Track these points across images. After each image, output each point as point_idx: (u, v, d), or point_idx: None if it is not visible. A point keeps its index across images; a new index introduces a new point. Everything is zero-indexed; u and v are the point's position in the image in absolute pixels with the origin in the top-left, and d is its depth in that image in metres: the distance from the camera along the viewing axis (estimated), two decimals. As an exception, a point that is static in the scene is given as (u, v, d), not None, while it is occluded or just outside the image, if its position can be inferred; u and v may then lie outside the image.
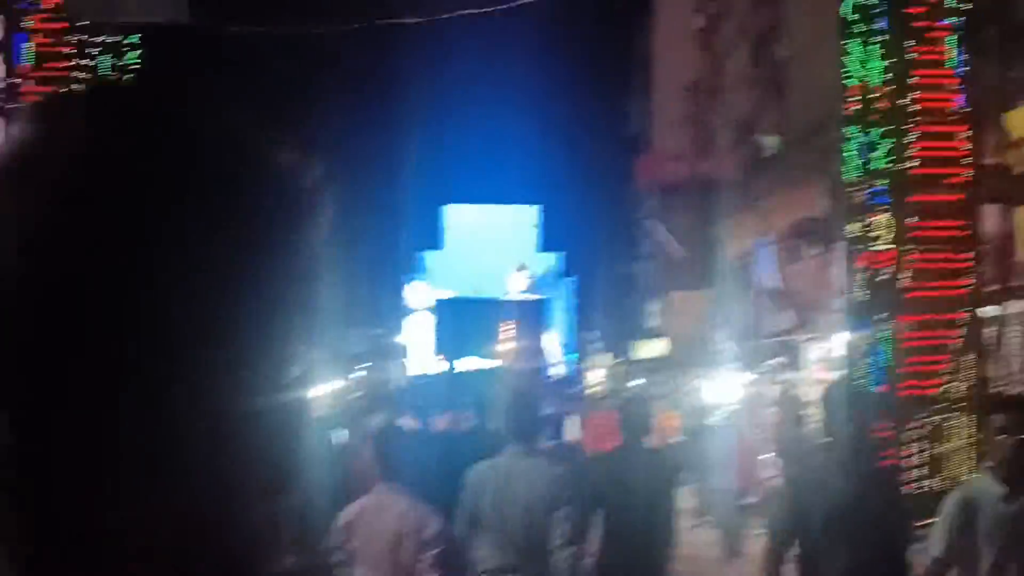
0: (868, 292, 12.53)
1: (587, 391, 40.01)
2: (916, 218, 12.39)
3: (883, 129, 12.37)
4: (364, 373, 32.29)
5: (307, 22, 18.72)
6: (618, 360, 44.18)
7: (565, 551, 6.41)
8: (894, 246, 12.56)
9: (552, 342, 54.35)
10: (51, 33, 13.50)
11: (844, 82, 12.59)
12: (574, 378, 42.05)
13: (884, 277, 12.47)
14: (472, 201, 60.09)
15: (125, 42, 13.30)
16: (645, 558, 7.41)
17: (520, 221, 59.89)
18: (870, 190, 12.49)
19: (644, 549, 7.30)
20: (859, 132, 12.52)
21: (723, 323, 29.89)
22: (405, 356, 44.62)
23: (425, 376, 36.76)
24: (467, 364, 40.91)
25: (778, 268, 27.46)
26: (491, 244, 57.37)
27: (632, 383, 33.03)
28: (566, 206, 61.62)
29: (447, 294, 53.01)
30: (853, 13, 12.72)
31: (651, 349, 39.90)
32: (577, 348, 54.32)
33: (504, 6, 14.33)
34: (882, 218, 12.49)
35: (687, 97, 37.49)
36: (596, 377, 43.06)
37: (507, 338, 47.35)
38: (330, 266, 0.84)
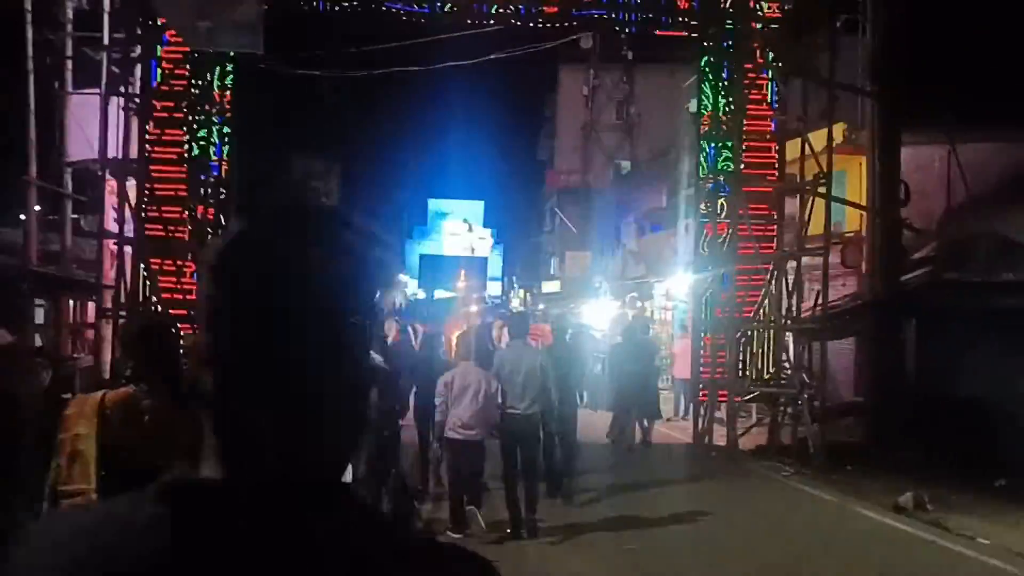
0: (710, 250, 14.01)
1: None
2: (745, 202, 13.91)
3: (724, 143, 13.84)
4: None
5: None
6: (529, 294, 54.72)
7: (548, 392, 9.62)
8: (729, 220, 14.08)
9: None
10: (171, 61, 14.28)
11: (700, 111, 13.93)
12: (505, 302, 53.18)
13: (720, 240, 13.99)
14: (444, 196, 70.69)
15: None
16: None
17: (473, 209, 70.84)
18: (714, 183, 13.95)
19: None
20: (708, 145, 13.95)
21: (600, 271, 36.83)
22: (406, 287, 53.53)
23: (417, 299, 43.68)
24: (439, 294, 51.75)
25: (635, 239, 34.40)
26: (455, 224, 68.39)
27: (539, 308, 40.50)
28: (501, 200, 69.64)
29: (428, 251, 66.12)
30: (707, 66, 14.08)
31: (551, 287, 48.01)
32: (504, 286, 65.86)
33: (475, 60, 15.87)
34: (722, 201, 14.01)
35: (578, 135, 47.39)
36: (516, 304, 52.28)
37: (462, 279, 56.41)
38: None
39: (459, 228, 66.31)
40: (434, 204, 72.45)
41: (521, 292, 60.31)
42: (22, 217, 15.97)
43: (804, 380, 13.90)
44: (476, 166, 74.71)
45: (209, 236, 13.84)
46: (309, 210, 1.06)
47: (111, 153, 14.28)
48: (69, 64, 16.41)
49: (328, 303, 0.98)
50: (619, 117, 47.28)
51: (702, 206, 15.24)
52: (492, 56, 17.98)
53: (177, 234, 13.69)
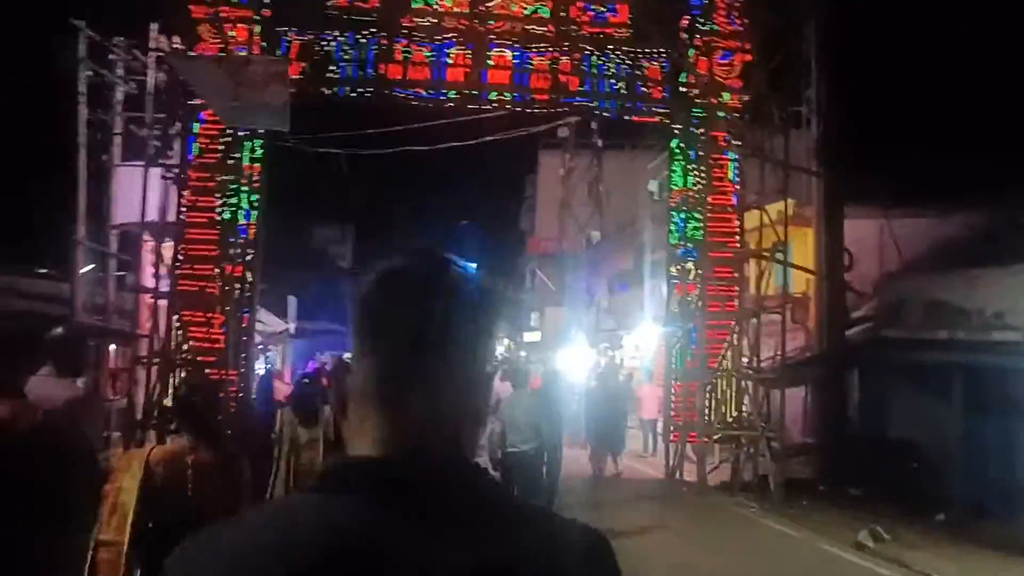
0: (680, 308, 13.61)
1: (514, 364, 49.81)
2: (711, 266, 13.53)
3: (692, 214, 13.53)
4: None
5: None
6: (513, 343, 52.51)
7: (542, 431, 9.40)
8: (695, 281, 13.71)
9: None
10: (207, 136, 13.92)
11: (670, 186, 13.62)
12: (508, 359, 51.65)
13: (689, 299, 13.59)
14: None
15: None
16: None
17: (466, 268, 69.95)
18: (683, 249, 13.59)
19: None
20: (677, 215, 13.61)
21: (575, 325, 34.90)
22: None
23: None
24: None
25: (607, 296, 35.08)
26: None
27: (521, 354, 40.69)
28: (488, 264, 70.92)
29: None
30: (677, 148, 13.80)
31: (532, 337, 47.48)
32: None
33: (472, 142, 15.66)
34: (690, 265, 13.66)
35: (555, 209, 45.67)
36: (500, 352, 51.72)
37: None
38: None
39: None
40: None
41: (506, 342, 61.68)
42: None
43: (763, 424, 13.53)
44: (468, 233, 75.15)
45: (236, 291, 13.47)
46: (443, 255, 1.18)
47: (151, 217, 14.01)
48: (118, 140, 16.17)
49: (468, 327, 1.08)
50: (590, 194, 49.79)
51: (672, 269, 14.93)
52: (487, 139, 17.82)
53: (208, 289, 13.23)
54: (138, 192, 13.64)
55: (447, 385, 1.03)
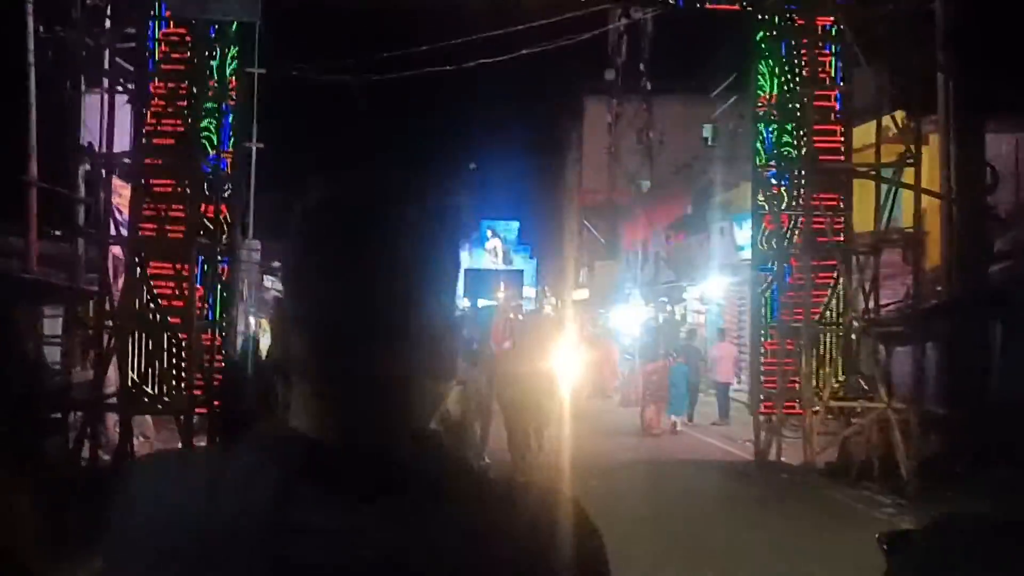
0: (767, 245, 10.41)
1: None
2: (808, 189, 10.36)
3: (784, 125, 10.24)
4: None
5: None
6: (560, 300, 50.07)
7: None
8: (791, 211, 10.49)
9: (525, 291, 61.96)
10: (171, 42, 10.85)
11: (756, 91, 10.37)
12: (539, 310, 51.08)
13: (783, 232, 10.40)
14: (489, 219, 67.13)
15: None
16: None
17: (509, 227, 69.09)
18: (774, 171, 10.33)
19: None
20: (764, 129, 10.34)
21: (630, 279, 33.99)
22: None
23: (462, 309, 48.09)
24: (481, 303, 50.61)
25: (664, 246, 30.61)
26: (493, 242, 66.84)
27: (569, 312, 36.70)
28: (533, 220, 70.11)
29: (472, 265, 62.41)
30: (762, 42, 10.53)
31: (579, 294, 44.23)
32: (537, 294, 61.42)
33: (510, 56, 12.34)
34: (781, 191, 10.36)
35: (603, 158, 43.49)
36: (549, 309, 49.59)
37: (502, 290, 52.99)
38: None
39: (495, 244, 67.83)
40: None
41: (553, 299, 61.10)
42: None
43: (886, 389, 10.33)
44: (513, 190, 71.77)
45: (210, 235, 10.63)
46: (392, 175, 0.96)
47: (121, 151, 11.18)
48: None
49: (419, 258, 0.91)
50: (640, 142, 47.50)
51: (759, 196, 11.67)
52: (531, 50, 14.56)
53: (172, 234, 10.36)
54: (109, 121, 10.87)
55: (401, 340, 0.89)
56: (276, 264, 25.09)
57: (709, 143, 45.32)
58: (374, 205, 0.89)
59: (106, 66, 11.95)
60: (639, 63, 48.16)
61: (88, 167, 13.01)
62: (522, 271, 68.50)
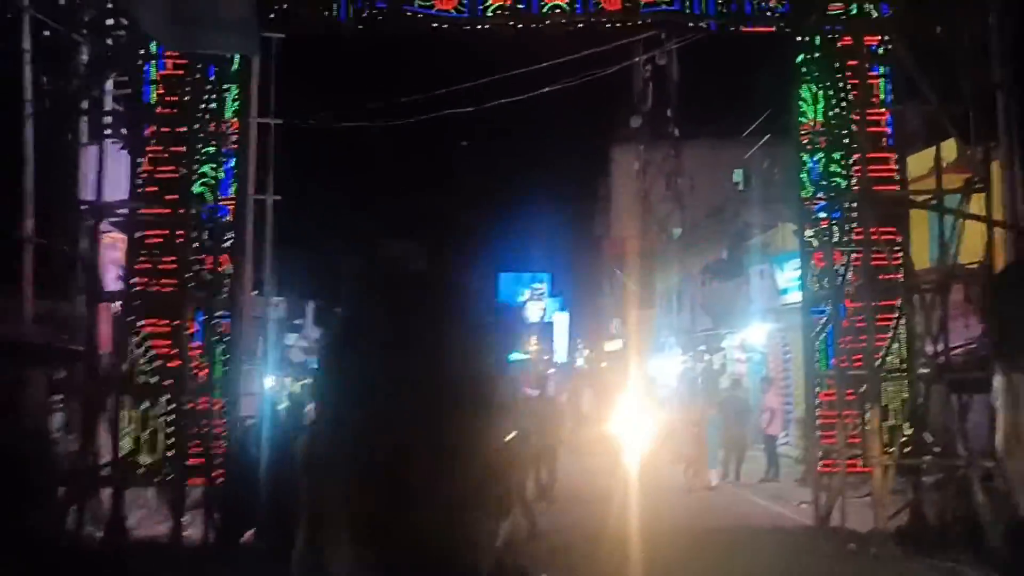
0: (818, 284, 9.30)
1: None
2: (856, 224, 9.23)
3: (831, 155, 9.18)
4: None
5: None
6: (593, 352, 54.48)
7: None
8: (842, 247, 9.36)
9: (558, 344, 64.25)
10: (169, 84, 10.09)
11: (798, 118, 9.37)
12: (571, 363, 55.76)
13: (836, 269, 9.27)
14: (513, 271, 67.02)
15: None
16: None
17: (538, 281, 68.88)
18: (823, 203, 9.25)
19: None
20: (809, 158, 9.31)
21: (666, 327, 33.34)
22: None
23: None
24: (514, 356, 51.30)
25: (700, 291, 29.80)
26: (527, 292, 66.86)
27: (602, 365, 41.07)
28: (563, 272, 69.74)
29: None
30: (802, 66, 9.57)
31: (612, 345, 45.21)
32: (570, 347, 64.41)
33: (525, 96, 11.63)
34: (831, 225, 9.26)
35: (632, 206, 41.36)
36: (581, 362, 55.28)
37: (533, 343, 54.96)
38: None
39: (536, 311, 68.72)
40: (507, 278, 71.84)
41: (586, 351, 60.77)
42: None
43: (964, 444, 9.11)
44: (543, 245, 71.01)
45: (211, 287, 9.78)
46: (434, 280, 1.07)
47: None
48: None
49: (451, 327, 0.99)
50: (668, 187, 47.00)
51: (807, 232, 10.61)
52: (544, 90, 13.80)
53: (166, 288, 9.52)
54: (111, 173, 10.16)
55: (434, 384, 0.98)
56: (298, 321, 24.40)
57: (740, 187, 44.45)
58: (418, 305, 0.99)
59: (106, 114, 11.33)
60: (666, 109, 47.91)
61: (92, 223, 12.33)
62: (551, 322, 67.73)
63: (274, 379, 19.43)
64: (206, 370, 9.44)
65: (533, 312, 65.39)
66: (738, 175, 45.54)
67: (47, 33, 11.82)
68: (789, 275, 16.65)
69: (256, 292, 19.67)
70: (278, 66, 16.72)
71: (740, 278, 21.54)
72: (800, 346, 18.26)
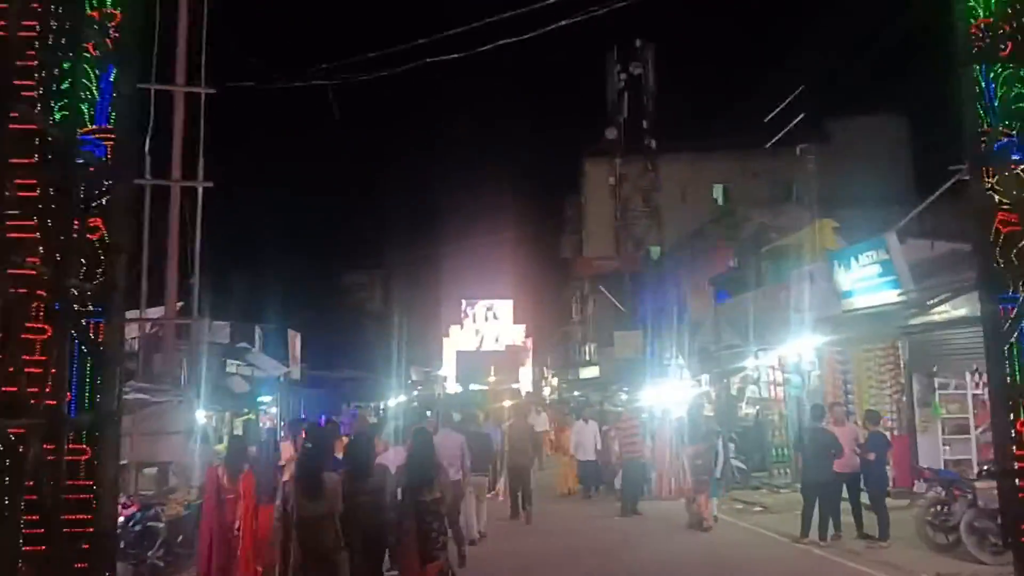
0: (1005, 263, 5.80)
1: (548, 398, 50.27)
2: None
3: (1017, 70, 5.68)
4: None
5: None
6: (564, 381, 49.29)
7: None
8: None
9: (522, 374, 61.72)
10: None
11: (967, 19, 5.94)
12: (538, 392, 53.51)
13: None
14: (478, 298, 66.63)
15: None
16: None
17: (503, 307, 67.06)
18: (1004, 141, 5.76)
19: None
20: (981, 75, 5.83)
21: (656, 348, 27.96)
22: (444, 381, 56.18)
23: (453, 393, 42.53)
24: (474, 387, 50.83)
25: (711, 306, 24.75)
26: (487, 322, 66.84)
27: (575, 393, 37.35)
28: (529, 297, 65.81)
29: (464, 348, 63.22)
30: None
31: (589, 372, 42.05)
32: (534, 376, 62.52)
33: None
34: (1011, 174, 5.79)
35: (607, 223, 41.72)
36: (548, 391, 52.37)
37: (493, 373, 54.22)
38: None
39: (485, 318, 65.61)
40: (467, 303, 68.90)
41: (554, 380, 57.58)
42: None
43: None
44: (504, 267, 66.56)
45: (81, 277, 6.00)
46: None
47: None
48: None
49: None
50: (646, 203, 43.22)
51: (986, 182, 7.17)
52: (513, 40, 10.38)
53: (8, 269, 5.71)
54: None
55: None
56: (242, 345, 20.47)
57: (719, 203, 41.39)
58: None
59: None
60: (642, 120, 44.59)
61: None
62: (516, 349, 64.03)
63: (208, 414, 15.63)
64: (58, 399, 5.64)
65: (489, 332, 62.68)
66: (718, 191, 42.69)
67: None
68: (856, 274, 13.30)
69: (200, 314, 15.85)
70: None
71: (770, 286, 17.87)
72: (863, 362, 14.75)
